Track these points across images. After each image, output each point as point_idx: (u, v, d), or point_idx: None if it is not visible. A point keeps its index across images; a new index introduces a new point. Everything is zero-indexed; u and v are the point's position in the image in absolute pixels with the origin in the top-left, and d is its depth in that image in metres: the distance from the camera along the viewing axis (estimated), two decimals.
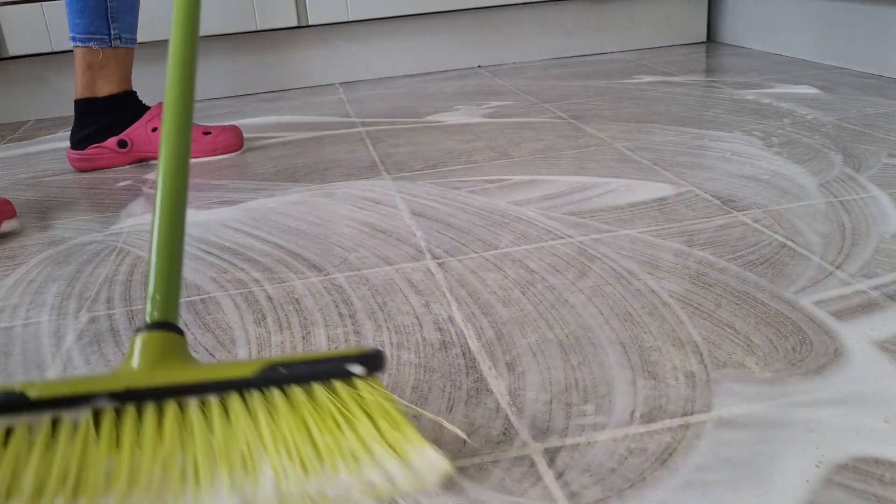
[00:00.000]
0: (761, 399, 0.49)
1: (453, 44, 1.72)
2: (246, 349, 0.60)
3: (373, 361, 0.44)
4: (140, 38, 1.53)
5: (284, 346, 0.60)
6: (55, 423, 0.42)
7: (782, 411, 0.47)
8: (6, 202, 0.90)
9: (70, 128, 1.17)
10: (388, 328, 0.61)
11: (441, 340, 0.59)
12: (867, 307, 0.59)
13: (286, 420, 0.42)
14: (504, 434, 0.47)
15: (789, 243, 0.71)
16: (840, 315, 0.58)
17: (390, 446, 0.41)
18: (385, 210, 0.88)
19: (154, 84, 1.59)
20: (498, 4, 1.65)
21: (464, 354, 0.57)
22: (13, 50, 1.50)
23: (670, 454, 0.44)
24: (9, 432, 0.41)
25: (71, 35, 1.12)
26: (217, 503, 0.40)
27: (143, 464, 0.41)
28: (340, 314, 0.64)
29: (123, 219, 0.93)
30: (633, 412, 0.48)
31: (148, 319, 0.47)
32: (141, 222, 0.91)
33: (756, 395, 0.49)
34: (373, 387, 0.43)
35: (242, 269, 0.75)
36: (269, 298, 0.68)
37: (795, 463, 0.43)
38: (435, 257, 0.74)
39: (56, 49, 1.51)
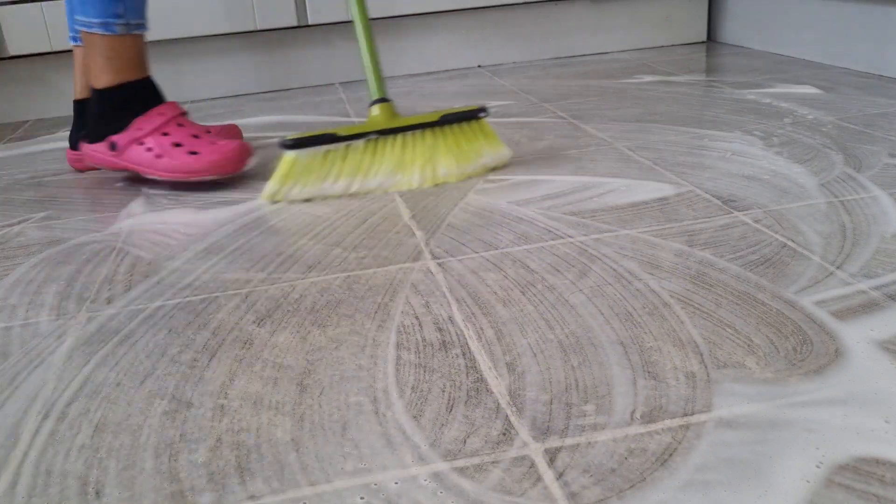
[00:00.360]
0: (762, 399, 0.49)
1: (453, 44, 1.72)
2: (243, 350, 0.60)
3: (486, 111, 0.96)
4: None
5: (284, 345, 0.60)
6: (347, 148, 0.92)
7: (783, 411, 0.47)
8: (245, 143, 1.01)
9: (69, 127, 1.17)
10: (388, 328, 0.61)
11: (441, 340, 0.59)
12: (868, 307, 0.59)
13: (449, 139, 0.95)
14: (504, 434, 0.47)
15: (790, 243, 0.71)
16: (841, 315, 0.58)
17: (491, 148, 0.98)
18: (385, 210, 0.88)
19: None
20: (498, 4, 1.65)
21: (464, 354, 0.57)
22: (13, 50, 1.50)
23: (670, 454, 0.44)
24: (326, 152, 0.91)
25: (71, 35, 1.12)
26: (416, 178, 0.94)
27: (389, 162, 0.94)
28: (339, 314, 0.64)
29: (123, 219, 0.93)
30: (633, 412, 0.48)
31: (375, 96, 0.96)
32: (141, 222, 0.91)
33: (756, 396, 0.49)
34: (485, 122, 0.98)
35: (243, 270, 0.75)
36: (270, 299, 0.68)
37: (796, 463, 0.43)
38: (435, 257, 0.74)
39: (56, 49, 1.51)
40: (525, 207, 0.85)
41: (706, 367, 0.53)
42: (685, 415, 0.48)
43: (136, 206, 0.97)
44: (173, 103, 1.01)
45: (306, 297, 0.68)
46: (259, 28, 1.57)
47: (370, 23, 0.97)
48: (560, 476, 0.43)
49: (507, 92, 1.45)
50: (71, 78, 1.56)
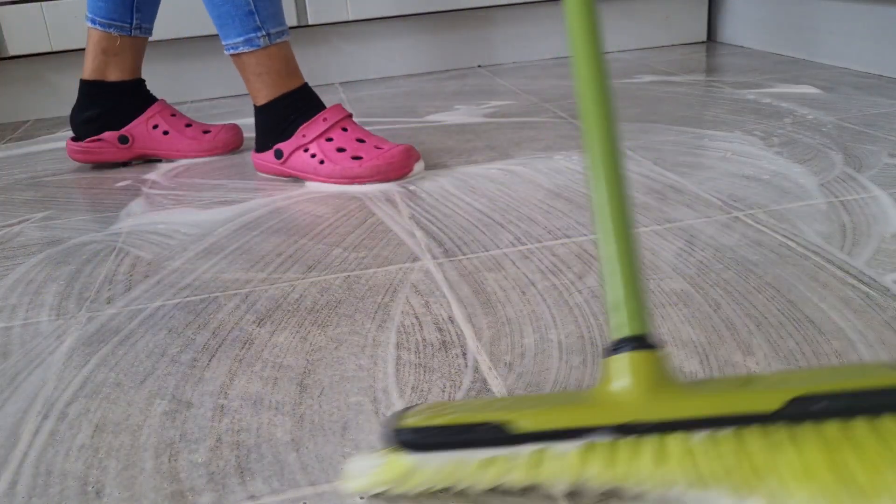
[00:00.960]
0: None
1: (453, 44, 1.72)
2: (243, 350, 0.60)
3: None
4: None
5: (284, 345, 0.60)
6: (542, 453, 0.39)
7: None
8: (410, 148, 0.97)
9: (69, 128, 1.17)
10: (388, 328, 0.61)
11: (441, 340, 0.59)
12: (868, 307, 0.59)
13: (816, 458, 0.36)
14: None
15: (790, 243, 0.71)
16: (841, 315, 0.58)
17: None
18: (385, 210, 0.88)
19: (155, 83, 1.59)
20: (498, 4, 1.65)
21: (464, 354, 0.57)
22: (13, 50, 1.50)
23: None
24: (490, 460, 0.40)
25: (90, 16, 1.11)
26: None
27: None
28: (339, 314, 0.64)
29: (123, 219, 0.93)
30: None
31: (624, 332, 0.41)
32: (140, 222, 0.91)
33: None
34: None
35: (243, 270, 0.75)
36: (270, 299, 0.68)
37: None
38: (435, 257, 0.74)
39: (56, 49, 1.51)
40: (525, 207, 0.85)
41: (706, 367, 0.53)
42: None
43: (136, 206, 0.97)
44: (338, 107, 1.00)
45: (306, 297, 0.68)
46: None
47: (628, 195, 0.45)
48: None
49: (507, 92, 1.45)
50: (71, 77, 1.56)
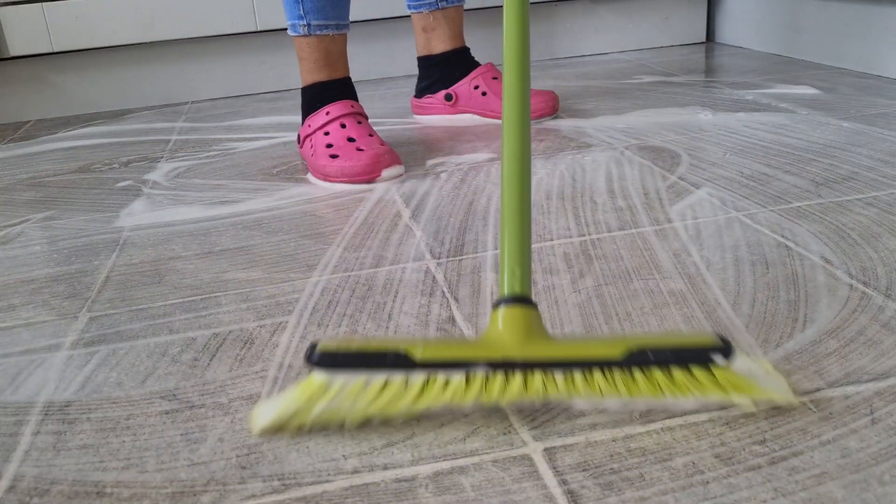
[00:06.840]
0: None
1: None
2: (243, 350, 0.60)
3: (729, 349, 0.47)
4: (133, 38, 1.53)
5: (284, 345, 0.60)
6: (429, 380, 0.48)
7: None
8: (384, 155, 0.97)
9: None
10: (388, 328, 0.61)
11: None
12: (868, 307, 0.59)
13: (642, 388, 0.47)
14: (504, 434, 0.47)
15: (789, 243, 0.71)
16: (840, 315, 0.58)
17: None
18: (385, 210, 0.88)
19: (156, 84, 1.59)
20: (497, 5, 1.65)
21: None
22: (13, 50, 1.50)
23: (670, 454, 0.44)
24: (385, 383, 0.47)
25: (408, 3, 1.23)
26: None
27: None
28: (339, 314, 0.64)
29: (123, 219, 0.93)
30: (632, 412, 0.48)
31: (508, 292, 0.51)
32: (141, 222, 0.91)
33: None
34: (730, 372, 0.47)
35: (243, 270, 0.75)
36: (270, 299, 0.68)
37: None
38: (435, 257, 0.74)
39: (56, 49, 1.51)
40: None
41: None
42: (685, 414, 0.48)
43: (137, 205, 0.97)
44: (345, 103, 1.03)
45: (306, 297, 0.68)
46: (259, 28, 1.57)
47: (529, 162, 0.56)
48: (560, 476, 0.43)
49: None
50: (71, 78, 1.56)
